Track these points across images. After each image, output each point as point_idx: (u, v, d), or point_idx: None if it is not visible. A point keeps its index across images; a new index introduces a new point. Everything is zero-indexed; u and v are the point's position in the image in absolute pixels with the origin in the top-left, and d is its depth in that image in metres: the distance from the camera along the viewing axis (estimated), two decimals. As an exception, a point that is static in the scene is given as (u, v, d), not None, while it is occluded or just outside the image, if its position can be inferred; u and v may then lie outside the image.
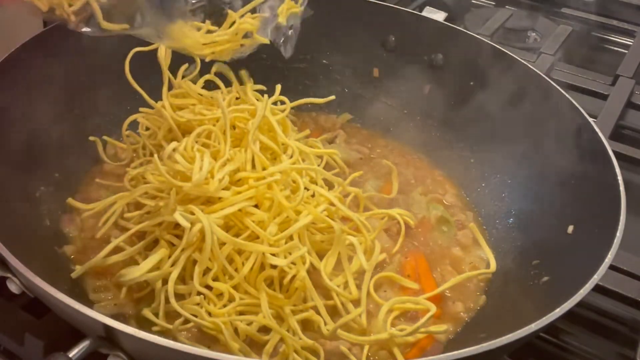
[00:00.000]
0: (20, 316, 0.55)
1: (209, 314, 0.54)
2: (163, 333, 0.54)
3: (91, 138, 0.70)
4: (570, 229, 0.60)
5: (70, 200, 0.64)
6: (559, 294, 0.49)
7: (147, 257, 0.55)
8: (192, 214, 0.55)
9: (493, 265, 0.64)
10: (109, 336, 0.43)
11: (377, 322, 0.56)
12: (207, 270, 0.56)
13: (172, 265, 0.56)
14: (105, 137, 0.72)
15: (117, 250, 0.58)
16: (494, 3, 1.27)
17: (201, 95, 0.72)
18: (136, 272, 0.54)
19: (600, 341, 0.63)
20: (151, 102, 0.69)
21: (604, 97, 0.91)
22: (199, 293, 0.55)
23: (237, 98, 0.72)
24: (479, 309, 0.61)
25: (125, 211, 0.63)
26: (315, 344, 0.54)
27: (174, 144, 0.60)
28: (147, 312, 0.54)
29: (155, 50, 0.65)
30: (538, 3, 1.25)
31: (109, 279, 0.58)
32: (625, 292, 0.62)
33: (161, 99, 0.68)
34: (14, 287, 0.50)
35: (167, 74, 0.67)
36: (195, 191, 0.57)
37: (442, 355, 0.43)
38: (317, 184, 0.66)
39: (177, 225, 0.57)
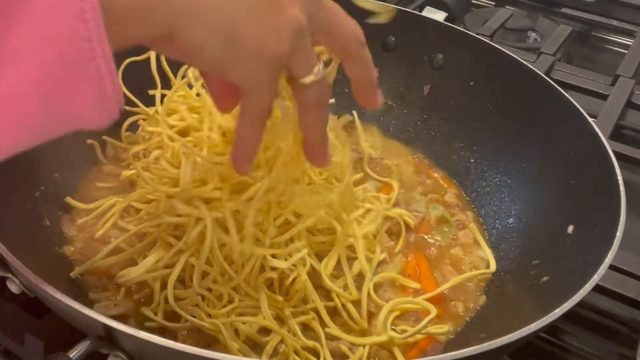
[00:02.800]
0: (20, 316, 0.55)
1: (209, 315, 0.54)
2: (162, 332, 0.54)
3: (89, 141, 0.70)
4: (570, 229, 0.60)
5: (68, 198, 0.64)
6: (559, 294, 0.49)
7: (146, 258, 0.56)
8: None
9: (493, 266, 0.64)
10: (109, 336, 0.43)
11: (377, 323, 0.56)
12: (206, 273, 0.56)
13: (171, 267, 0.55)
14: (105, 137, 0.72)
15: (116, 251, 0.58)
16: (494, 3, 1.27)
17: (199, 95, 0.72)
18: (134, 273, 0.54)
19: (600, 341, 0.63)
20: (144, 109, 0.70)
21: (604, 97, 0.91)
22: (198, 294, 0.54)
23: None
24: (479, 309, 0.61)
25: (125, 213, 0.63)
26: (315, 345, 0.54)
27: (157, 152, 0.59)
28: (147, 311, 0.54)
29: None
30: (538, 3, 1.25)
31: (109, 279, 0.58)
32: (625, 292, 0.62)
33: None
34: (14, 287, 0.50)
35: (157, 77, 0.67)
36: (185, 195, 0.57)
37: (442, 355, 0.43)
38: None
39: (176, 226, 0.57)
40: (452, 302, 0.61)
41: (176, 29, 0.39)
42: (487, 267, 0.65)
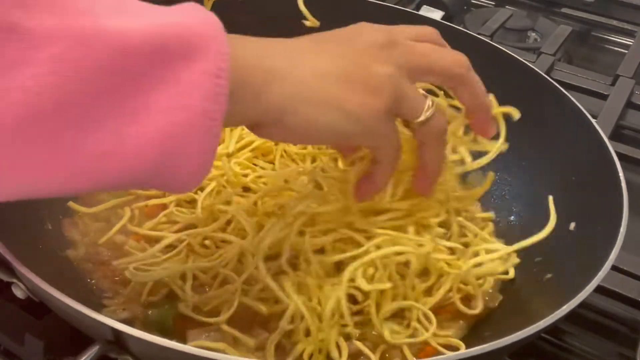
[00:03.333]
0: (20, 316, 0.55)
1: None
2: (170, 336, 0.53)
3: None
4: (572, 225, 0.60)
5: (71, 203, 0.64)
6: (562, 291, 0.49)
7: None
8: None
9: (511, 272, 0.62)
10: (118, 340, 0.43)
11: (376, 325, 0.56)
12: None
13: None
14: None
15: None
16: (494, 3, 1.27)
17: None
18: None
19: (600, 341, 0.62)
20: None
21: (604, 97, 0.91)
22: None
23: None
24: (492, 307, 0.60)
25: (136, 217, 0.63)
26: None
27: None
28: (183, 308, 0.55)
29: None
30: (538, 3, 1.25)
31: (120, 284, 0.58)
32: (625, 292, 0.62)
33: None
34: (19, 292, 0.49)
35: None
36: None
37: (442, 356, 0.43)
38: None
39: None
40: (470, 301, 0.60)
41: (286, 112, 0.43)
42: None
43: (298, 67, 0.44)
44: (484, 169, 0.65)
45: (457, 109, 0.59)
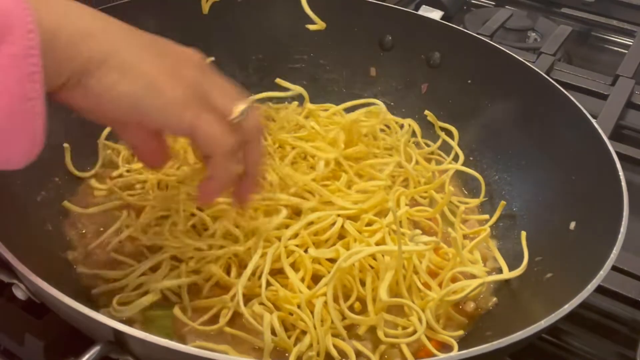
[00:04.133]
0: (20, 316, 0.55)
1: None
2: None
3: (65, 145, 0.68)
4: (572, 225, 0.60)
5: (66, 203, 0.64)
6: (563, 291, 0.49)
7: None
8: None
9: (505, 271, 0.63)
10: (118, 341, 0.43)
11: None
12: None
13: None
14: (105, 142, 0.72)
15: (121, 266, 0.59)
16: (494, 3, 1.27)
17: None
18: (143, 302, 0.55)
19: (600, 341, 0.62)
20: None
21: (604, 97, 0.91)
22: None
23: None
24: (489, 308, 0.60)
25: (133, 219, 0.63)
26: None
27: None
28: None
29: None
30: (538, 3, 1.25)
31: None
32: (625, 292, 0.62)
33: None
34: (19, 293, 0.49)
35: None
36: None
37: (443, 356, 0.43)
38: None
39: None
40: (464, 302, 0.60)
41: (87, 73, 0.41)
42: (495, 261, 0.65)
43: (108, 33, 0.42)
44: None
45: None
